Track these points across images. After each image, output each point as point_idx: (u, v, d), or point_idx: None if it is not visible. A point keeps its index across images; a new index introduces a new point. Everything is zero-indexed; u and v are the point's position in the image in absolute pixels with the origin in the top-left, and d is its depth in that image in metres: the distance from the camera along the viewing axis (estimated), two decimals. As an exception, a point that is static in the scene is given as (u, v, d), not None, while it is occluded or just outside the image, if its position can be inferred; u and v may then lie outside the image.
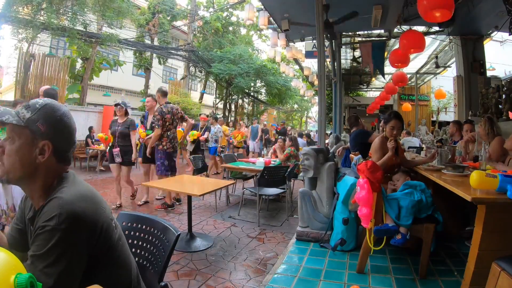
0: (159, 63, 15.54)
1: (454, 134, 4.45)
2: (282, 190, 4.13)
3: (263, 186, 3.82)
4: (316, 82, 10.51)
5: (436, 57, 7.82)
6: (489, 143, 2.80)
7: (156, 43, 14.78)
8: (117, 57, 13.96)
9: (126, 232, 1.32)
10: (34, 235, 0.80)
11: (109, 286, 0.78)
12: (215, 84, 18.62)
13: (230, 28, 17.62)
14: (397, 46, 6.18)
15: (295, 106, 23.95)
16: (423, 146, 5.78)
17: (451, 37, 6.28)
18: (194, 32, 16.02)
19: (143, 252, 1.28)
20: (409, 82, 11.49)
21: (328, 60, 6.36)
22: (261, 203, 4.13)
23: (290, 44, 6.40)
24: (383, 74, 7.05)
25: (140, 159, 4.80)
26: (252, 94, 18.70)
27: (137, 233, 1.31)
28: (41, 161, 0.86)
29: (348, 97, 13.43)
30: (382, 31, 5.99)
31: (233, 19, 17.60)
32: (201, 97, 17.39)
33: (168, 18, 14.88)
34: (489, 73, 7.07)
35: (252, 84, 16.27)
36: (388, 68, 8.01)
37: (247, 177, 4.99)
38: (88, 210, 0.84)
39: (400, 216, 2.11)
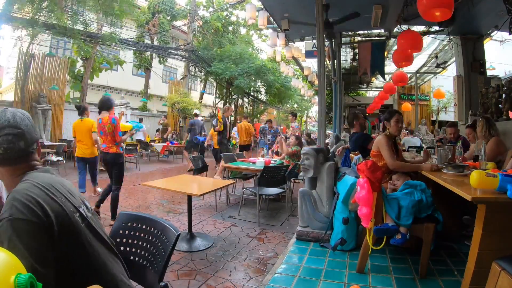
0: (159, 62, 15.55)
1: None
2: (282, 190, 4.13)
3: (263, 186, 3.82)
4: (316, 82, 10.52)
5: (436, 57, 7.82)
6: (486, 143, 2.81)
7: (156, 43, 14.78)
8: (117, 56, 13.95)
9: (126, 232, 1.32)
10: None
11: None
12: (215, 84, 18.61)
13: (230, 28, 17.60)
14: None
15: (295, 106, 23.93)
16: (423, 145, 5.79)
17: (451, 37, 6.27)
18: (194, 32, 16.01)
19: (143, 252, 1.27)
20: (409, 81, 11.49)
21: (328, 60, 6.36)
22: (261, 203, 4.13)
23: (289, 43, 6.40)
24: (383, 75, 7.05)
25: None
26: (252, 94, 18.68)
27: (137, 233, 1.31)
28: None
29: (348, 96, 13.43)
30: (382, 30, 5.99)
31: (233, 18, 17.59)
32: (201, 97, 17.38)
33: (168, 18, 14.88)
34: (489, 73, 7.07)
35: (252, 84, 16.25)
36: (388, 67, 8.01)
37: (247, 177, 4.99)
38: (40, 198, 0.83)
39: (400, 216, 2.11)
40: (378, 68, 6.56)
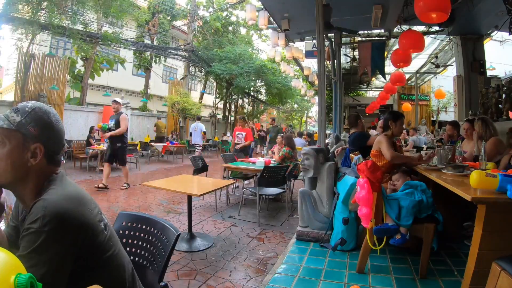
0: (155, 62, 15.53)
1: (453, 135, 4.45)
2: (282, 190, 4.13)
3: (263, 186, 3.81)
4: (316, 82, 10.51)
5: (436, 57, 7.82)
6: (485, 142, 2.81)
7: (155, 43, 14.78)
8: (118, 56, 13.96)
9: (126, 232, 1.32)
10: (21, 236, 0.80)
11: (101, 286, 0.78)
12: (215, 84, 18.61)
13: (230, 28, 17.60)
14: (397, 46, 6.20)
15: (295, 106, 23.94)
16: (424, 146, 5.79)
17: (451, 37, 6.28)
18: (194, 32, 16.01)
19: (143, 252, 1.28)
20: (409, 81, 11.50)
21: (328, 60, 6.36)
22: (261, 203, 4.13)
23: (290, 44, 6.41)
24: (383, 75, 7.05)
25: None
26: (252, 94, 18.68)
27: (137, 233, 1.31)
28: (33, 164, 0.87)
29: (348, 97, 13.43)
30: (382, 30, 5.99)
31: (233, 18, 17.59)
32: (201, 97, 17.38)
33: (168, 18, 14.88)
34: (489, 73, 7.07)
35: (252, 84, 16.26)
36: (388, 68, 8.01)
37: (247, 177, 4.98)
38: (72, 211, 0.83)
39: (401, 216, 2.11)
40: (378, 67, 6.56)
